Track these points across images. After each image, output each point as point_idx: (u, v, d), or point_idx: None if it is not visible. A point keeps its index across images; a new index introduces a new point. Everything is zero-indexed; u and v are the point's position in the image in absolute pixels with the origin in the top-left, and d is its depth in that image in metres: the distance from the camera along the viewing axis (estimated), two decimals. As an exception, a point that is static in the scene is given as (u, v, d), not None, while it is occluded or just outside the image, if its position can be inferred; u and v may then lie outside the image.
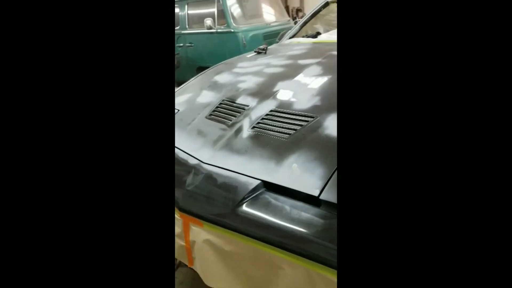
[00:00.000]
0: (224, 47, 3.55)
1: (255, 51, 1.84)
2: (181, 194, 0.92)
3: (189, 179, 0.93)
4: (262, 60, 1.66)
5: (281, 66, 1.48)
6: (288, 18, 4.13)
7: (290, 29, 2.28)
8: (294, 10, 6.60)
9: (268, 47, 1.86)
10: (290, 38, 2.19)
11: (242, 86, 1.35)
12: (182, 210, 0.91)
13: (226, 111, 1.19)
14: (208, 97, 1.35)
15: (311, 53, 1.62)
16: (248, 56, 1.83)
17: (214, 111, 1.22)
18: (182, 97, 1.44)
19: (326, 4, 2.29)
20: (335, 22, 2.34)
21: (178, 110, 1.33)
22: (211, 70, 1.69)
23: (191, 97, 1.41)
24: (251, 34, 3.49)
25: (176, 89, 1.58)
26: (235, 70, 1.61)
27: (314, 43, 1.84)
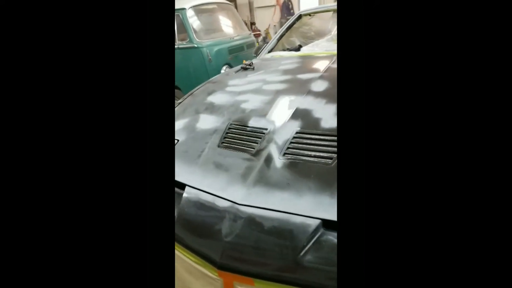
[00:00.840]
0: (188, 63, 3.35)
1: (241, 67, 1.73)
2: (219, 247, 0.75)
3: (225, 227, 0.76)
4: (254, 76, 1.55)
5: (281, 82, 1.38)
6: (249, 32, 4.11)
7: (266, 43, 2.22)
8: (249, 24, 6.65)
9: (253, 62, 1.76)
10: (269, 52, 2.13)
11: (247, 106, 1.22)
12: (222, 268, 0.74)
13: (241, 136, 1.05)
14: (210, 122, 1.19)
15: (306, 67, 1.56)
16: (235, 72, 1.71)
17: (225, 138, 1.06)
18: (177, 124, 1.25)
19: (299, 17, 2.30)
20: (310, 34, 2.36)
21: (178, 140, 1.14)
22: (199, 90, 1.53)
23: (188, 123, 1.23)
24: (216, 48, 3.35)
25: None
26: (229, 89, 1.47)
27: (301, 56, 1.79)
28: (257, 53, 2.24)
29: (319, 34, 2.28)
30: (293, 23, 2.27)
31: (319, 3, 6.83)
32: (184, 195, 0.89)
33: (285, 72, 1.51)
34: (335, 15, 2.21)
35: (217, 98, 1.37)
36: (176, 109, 1.38)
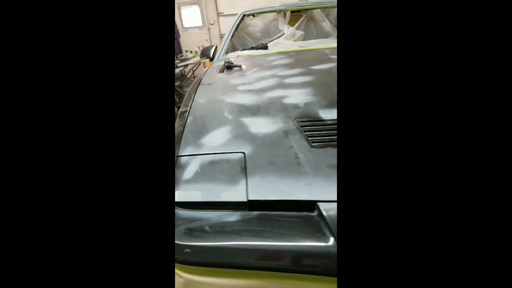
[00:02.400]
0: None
1: (226, 66, 1.48)
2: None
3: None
4: (256, 74, 1.36)
5: (300, 74, 1.26)
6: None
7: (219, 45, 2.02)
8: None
9: (233, 62, 1.55)
10: (227, 53, 1.94)
11: (295, 101, 1.05)
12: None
13: (327, 132, 0.88)
14: (267, 125, 0.95)
15: (307, 60, 1.49)
16: (219, 72, 1.45)
17: (309, 137, 0.86)
18: (215, 135, 0.93)
19: (243, 18, 2.20)
20: (256, 35, 2.30)
21: (244, 152, 0.84)
22: (199, 95, 1.20)
23: (237, 131, 0.94)
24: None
25: (180, 131, 1.00)
26: (242, 88, 1.22)
27: (282, 52, 1.71)
28: (207, 55, 2.01)
29: (266, 35, 2.26)
30: (239, 23, 2.16)
31: (202, 17, 6.85)
32: (329, 213, 0.66)
33: (291, 65, 1.40)
34: (280, 15, 2.25)
35: (241, 99, 1.12)
36: (188, 121, 1.03)
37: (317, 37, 2.19)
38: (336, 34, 2.18)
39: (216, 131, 0.96)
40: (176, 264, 0.71)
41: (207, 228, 0.71)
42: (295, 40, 2.09)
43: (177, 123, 1.09)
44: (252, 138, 0.90)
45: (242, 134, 0.93)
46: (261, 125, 0.95)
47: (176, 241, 0.69)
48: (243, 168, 0.80)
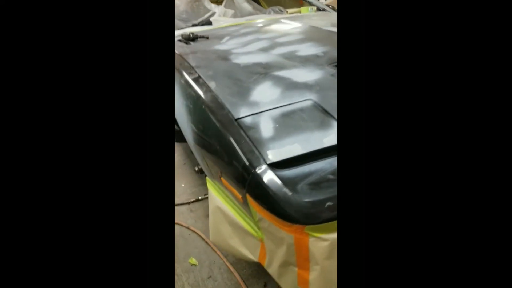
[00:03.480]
0: None
1: (191, 38, 1.28)
2: None
3: None
4: (237, 40, 1.26)
5: (284, 35, 1.23)
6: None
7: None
8: None
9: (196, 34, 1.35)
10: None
11: (308, 52, 1.03)
12: None
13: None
14: (307, 74, 0.89)
15: (275, 27, 1.45)
16: (192, 42, 1.25)
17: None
18: (269, 92, 0.80)
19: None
20: (182, 16, 2.07)
21: (311, 99, 0.75)
22: (196, 62, 0.99)
23: (284, 84, 0.83)
24: None
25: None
26: (239, 50, 1.10)
27: (232, 25, 1.60)
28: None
29: (192, 16, 2.06)
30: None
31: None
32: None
33: (264, 32, 1.35)
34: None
35: (253, 59, 1.01)
36: (213, 87, 0.84)
37: (242, 16, 2.18)
38: (260, 13, 2.23)
39: (259, 88, 0.83)
40: (313, 227, 0.58)
41: (331, 176, 0.61)
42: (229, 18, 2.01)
43: (186, 94, 0.88)
44: (305, 86, 0.83)
45: (291, 85, 0.83)
46: (301, 75, 0.88)
47: (305, 200, 0.57)
48: (325, 112, 0.73)
